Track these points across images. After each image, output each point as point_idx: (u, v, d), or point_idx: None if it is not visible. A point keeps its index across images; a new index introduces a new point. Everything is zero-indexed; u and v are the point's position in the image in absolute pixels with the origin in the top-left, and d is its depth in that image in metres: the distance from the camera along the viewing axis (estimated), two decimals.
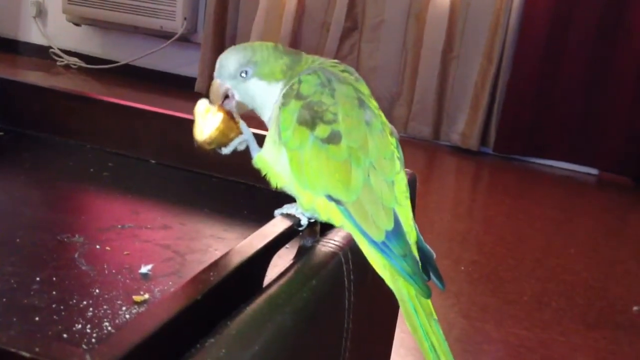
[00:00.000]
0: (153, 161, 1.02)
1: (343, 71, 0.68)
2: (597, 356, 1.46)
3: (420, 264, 0.62)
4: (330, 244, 0.66)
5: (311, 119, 0.63)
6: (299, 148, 0.63)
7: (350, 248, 0.66)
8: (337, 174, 0.62)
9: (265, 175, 0.67)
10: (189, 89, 3.38)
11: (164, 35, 3.42)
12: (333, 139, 0.62)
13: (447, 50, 3.08)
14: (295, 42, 3.26)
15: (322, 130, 0.62)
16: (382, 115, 0.67)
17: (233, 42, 3.39)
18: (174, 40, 3.40)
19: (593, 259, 2.10)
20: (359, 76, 0.69)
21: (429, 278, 0.65)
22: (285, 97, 0.65)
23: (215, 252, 0.75)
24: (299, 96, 0.64)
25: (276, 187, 0.67)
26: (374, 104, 0.67)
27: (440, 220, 2.25)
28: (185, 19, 3.36)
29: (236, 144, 0.69)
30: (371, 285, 0.68)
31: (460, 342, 1.42)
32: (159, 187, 0.95)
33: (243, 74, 0.68)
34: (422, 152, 3.10)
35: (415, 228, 0.65)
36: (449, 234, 2.12)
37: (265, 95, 0.68)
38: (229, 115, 0.69)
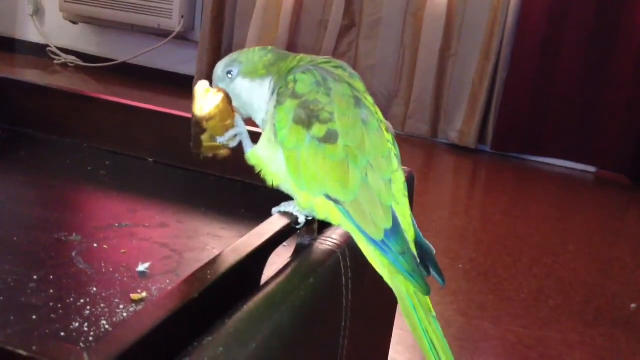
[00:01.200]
0: (150, 160, 1.02)
1: (337, 67, 0.68)
2: (595, 354, 1.46)
3: (418, 261, 0.62)
4: (328, 241, 0.66)
5: (307, 118, 0.63)
6: (296, 148, 0.63)
7: (348, 246, 0.66)
8: (335, 174, 0.62)
9: (259, 172, 0.67)
10: (186, 88, 3.37)
11: (161, 34, 3.42)
12: (330, 138, 0.62)
13: (445, 48, 3.08)
14: (293, 40, 3.26)
15: (318, 129, 0.62)
16: (379, 111, 0.67)
17: (230, 40, 3.39)
18: (171, 38, 3.40)
19: (590, 257, 2.11)
20: (353, 72, 0.69)
21: (429, 274, 0.65)
22: (281, 96, 0.65)
23: (212, 251, 0.75)
24: (294, 95, 0.64)
25: (272, 185, 0.67)
26: (369, 100, 0.67)
27: (438, 218, 2.25)
28: (182, 17, 3.36)
29: (231, 134, 0.69)
30: (369, 283, 0.68)
31: (458, 340, 1.42)
32: (156, 185, 0.95)
33: (229, 75, 0.70)
34: (420, 150, 3.10)
35: (414, 225, 0.65)
36: (447, 231, 2.12)
37: (250, 92, 0.69)
38: (228, 99, 0.69)
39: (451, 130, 3.15)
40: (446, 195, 2.66)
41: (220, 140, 0.70)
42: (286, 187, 0.66)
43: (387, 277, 0.62)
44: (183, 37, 3.45)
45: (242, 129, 0.70)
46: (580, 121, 2.97)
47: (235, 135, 0.70)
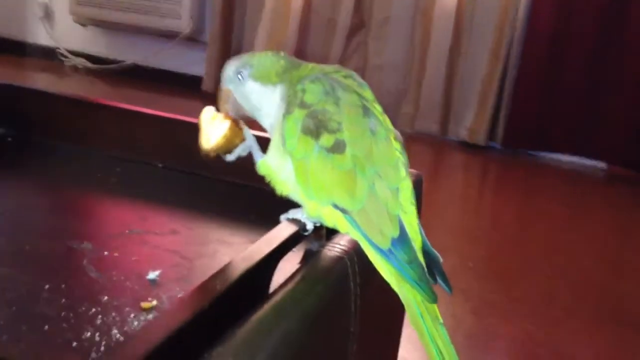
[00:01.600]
0: (160, 165, 1.03)
1: (346, 77, 0.68)
2: (605, 353, 1.46)
3: (426, 270, 0.63)
4: (336, 248, 0.66)
5: (315, 128, 0.63)
6: (304, 157, 0.63)
7: (356, 252, 0.66)
8: (342, 183, 0.62)
9: (269, 182, 0.68)
10: (195, 89, 3.38)
11: (170, 35, 3.43)
12: (338, 148, 0.62)
13: (455, 46, 3.07)
14: (302, 40, 3.26)
15: (326, 139, 0.63)
16: (387, 119, 0.67)
17: (240, 41, 3.40)
18: (181, 39, 3.41)
19: (601, 255, 2.10)
20: (362, 81, 0.69)
21: (436, 281, 0.65)
22: (289, 105, 0.65)
23: (222, 257, 0.76)
24: (303, 104, 0.64)
25: (281, 194, 0.67)
26: (378, 109, 0.67)
27: (449, 217, 2.25)
28: (191, 18, 3.37)
29: (240, 150, 0.70)
30: (377, 289, 0.69)
31: (468, 339, 1.42)
32: (166, 191, 0.96)
33: (240, 77, 0.70)
34: (430, 148, 3.10)
35: (421, 233, 0.65)
36: (457, 230, 2.12)
37: (260, 97, 0.69)
38: (235, 122, 0.70)
39: (461, 128, 3.14)
40: (456, 193, 2.66)
41: (230, 158, 0.70)
42: (295, 195, 0.67)
43: (394, 285, 0.63)
44: (192, 39, 3.45)
45: (251, 141, 0.71)
46: (591, 117, 2.95)
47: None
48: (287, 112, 0.65)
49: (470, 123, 3.11)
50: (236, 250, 0.77)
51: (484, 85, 3.05)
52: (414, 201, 0.66)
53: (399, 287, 0.62)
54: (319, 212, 0.65)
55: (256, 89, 0.69)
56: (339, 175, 0.62)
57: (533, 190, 2.76)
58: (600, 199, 2.77)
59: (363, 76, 3.10)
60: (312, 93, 0.65)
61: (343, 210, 0.63)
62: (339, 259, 0.65)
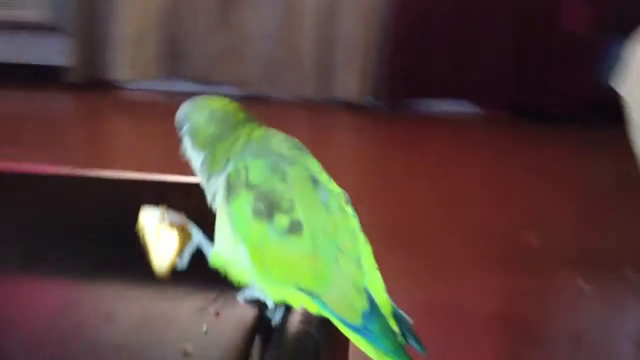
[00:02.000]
0: (85, 233, 0.83)
1: (287, 145, 0.64)
2: (507, 299, 1.50)
3: (399, 338, 0.61)
4: (299, 318, 0.63)
5: (267, 209, 0.59)
6: (259, 243, 0.59)
7: (320, 321, 0.63)
8: (304, 265, 0.59)
9: (224, 273, 0.64)
10: (59, 80, 3.18)
11: (28, 26, 3.18)
12: (294, 228, 0.59)
13: (327, 8, 3.06)
14: (173, 13, 3.12)
15: (281, 220, 0.59)
16: (334, 185, 0.65)
17: (103, 27, 3.19)
18: (40, 30, 3.17)
19: (490, 200, 2.17)
20: (303, 146, 0.65)
21: (408, 343, 0.64)
22: (234, 186, 0.61)
23: (173, 343, 0.66)
24: (249, 185, 0.60)
25: (239, 284, 0.63)
26: (325, 176, 0.64)
27: (338, 181, 2.23)
28: (49, 7, 3.13)
29: (188, 253, 0.66)
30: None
31: None
32: (95, 261, 0.78)
33: (181, 129, 0.66)
34: (312, 113, 3.09)
35: (389, 297, 0.63)
36: (349, 194, 2.11)
37: (190, 157, 0.67)
38: (181, 226, 0.65)
39: (341, 90, 3.14)
40: (343, 156, 2.65)
41: (181, 266, 0.66)
42: (254, 282, 0.63)
43: (371, 355, 0.61)
44: (53, 28, 3.20)
45: (199, 239, 0.67)
46: (466, 64, 3.05)
47: None
48: (232, 195, 0.61)
49: (349, 84, 3.12)
50: (187, 328, 0.68)
51: (359, 44, 3.08)
52: (375, 264, 0.63)
53: (376, 357, 0.61)
54: (283, 296, 0.61)
55: (187, 148, 0.66)
56: (300, 257, 0.59)
57: (416, 143, 2.81)
58: (480, 141, 2.85)
59: (241, 47, 3.02)
60: (257, 171, 0.61)
61: (309, 293, 0.59)
62: (305, 334, 0.62)
